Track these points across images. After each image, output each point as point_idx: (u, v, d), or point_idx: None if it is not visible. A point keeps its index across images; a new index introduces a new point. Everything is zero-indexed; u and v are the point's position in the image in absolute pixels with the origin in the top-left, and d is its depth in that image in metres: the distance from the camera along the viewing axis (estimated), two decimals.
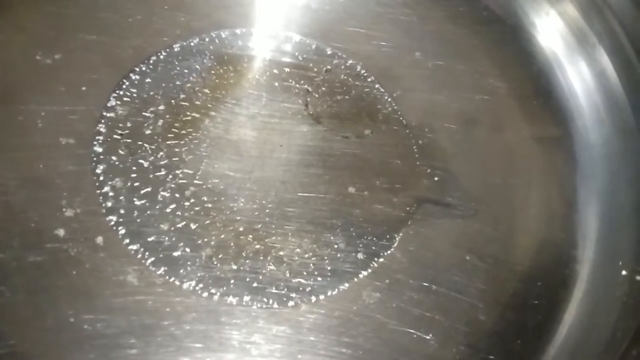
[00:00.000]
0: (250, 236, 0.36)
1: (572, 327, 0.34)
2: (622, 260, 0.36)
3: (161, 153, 0.38)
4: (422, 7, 0.46)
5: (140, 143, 0.38)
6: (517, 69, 0.44)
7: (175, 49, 0.42)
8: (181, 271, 0.34)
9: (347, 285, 0.35)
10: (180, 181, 0.37)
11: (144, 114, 0.39)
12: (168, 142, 0.39)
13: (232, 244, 0.36)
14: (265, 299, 0.34)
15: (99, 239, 0.34)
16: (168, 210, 0.36)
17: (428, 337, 0.34)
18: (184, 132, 0.39)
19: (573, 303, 0.35)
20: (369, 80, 0.43)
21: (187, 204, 0.37)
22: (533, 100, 0.43)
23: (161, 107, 0.40)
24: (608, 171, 0.40)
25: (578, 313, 0.35)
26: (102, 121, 0.39)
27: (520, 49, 0.45)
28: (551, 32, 0.45)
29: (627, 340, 0.31)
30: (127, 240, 0.35)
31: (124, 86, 0.40)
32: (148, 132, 0.39)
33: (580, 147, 0.41)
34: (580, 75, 0.43)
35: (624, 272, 0.36)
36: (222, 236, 0.36)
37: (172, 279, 0.34)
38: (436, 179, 0.40)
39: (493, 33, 0.45)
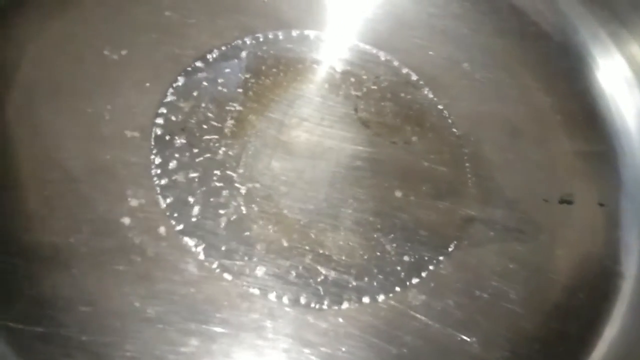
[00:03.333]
0: (301, 235, 0.38)
1: (615, 339, 0.35)
2: None
3: (217, 149, 0.40)
4: (471, 19, 0.47)
5: (197, 139, 0.40)
6: (562, 85, 0.45)
7: (232, 47, 0.44)
8: (235, 266, 0.36)
9: (394, 287, 0.36)
10: (235, 178, 0.39)
11: (201, 110, 0.41)
12: (224, 140, 0.40)
13: (283, 242, 0.37)
14: (314, 297, 0.36)
15: (162, 229, 0.36)
16: (223, 205, 0.38)
17: (471, 340, 0.35)
18: (238, 130, 0.41)
19: (615, 316, 0.36)
20: (419, 88, 0.44)
21: (241, 200, 0.38)
22: (578, 116, 0.44)
23: (216, 105, 0.42)
24: None
25: (621, 326, 0.36)
26: (164, 116, 0.40)
27: (568, 65, 0.46)
28: (601, 52, 0.46)
29: None
30: (184, 234, 0.36)
31: (182, 83, 0.42)
32: (204, 128, 0.40)
33: (625, 165, 0.42)
34: (628, 97, 0.44)
35: None
36: (274, 233, 0.38)
37: (226, 273, 0.36)
38: (481, 188, 0.41)
39: (540, 48, 0.46)
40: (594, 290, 0.37)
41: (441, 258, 0.38)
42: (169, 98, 0.41)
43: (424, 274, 0.37)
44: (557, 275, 0.38)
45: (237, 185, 0.39)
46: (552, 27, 0.47)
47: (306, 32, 0.46)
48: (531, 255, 0.38)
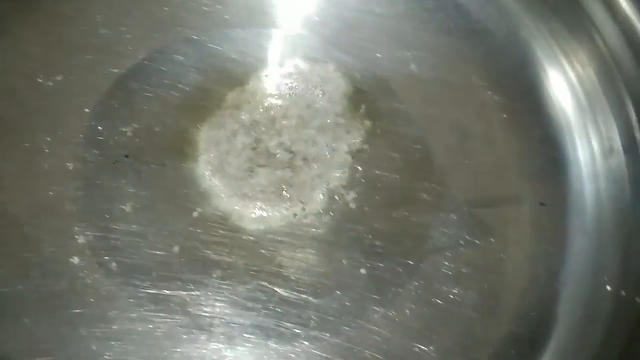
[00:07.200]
0: (256, 256, 0.38)
1: (563, 339, 0.37)
2: (607, 276, 0.39)
3: (166, 173, 0.39)
4: (417, 19, 0.47)
5: (143, 164, 0.39)
6: (510, 82, 0.45)
7: (173, 62, 0.43)
8: (191, 297, 0.36)
9: (352, 301, 0.37)
10: (187, 204, 0.38)
11: (145, 132, 0.40)
12: (171, 162, 0.39)
13: (239, 266, 0.37)
14: (274, 320, 0.36)
15: (113, 265, 0.36)
16: (175, 233, 0.37)
17: (428, 350, 0.36)
18: (187, 149, 0.40)
19: (562, 316, 0.38)
20: (366, 93, 0.44)
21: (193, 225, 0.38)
22: (525, 115, 0.44)
23: (161, 125, 0.40)
24: (594, 189, 0.42)
25: (567, 325, 0.38)
26: (106, 143, 0.39)
27: (514, 62, 0.46)
28: (544, 50, 0.46)
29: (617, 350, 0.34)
30: (137, 269, 0.36)
31: (122, 104, 0.40)
32: (150, 152, 0.39)
33: (569, 162, 0.43)
34: (569, 95, 0.45)
35: (608, 288, 0.38)
36: (229, 258, 0.37)
37: (182, 306, 0.35)
38: (433, 193, 0.41)
39: (485, 46, 0.46)
40: (543, 291, 0.39)
41: (399, 269, 0.38)
42: (110, 122, 0.40)
43: (381, 286, 0.38)
44: (509, 278, 0.39)
45: (188, 210, 0.38)
46: (496, 25, 0.47)
47: (251, 33, 0.44)
48: (483, 259, 0.39)
